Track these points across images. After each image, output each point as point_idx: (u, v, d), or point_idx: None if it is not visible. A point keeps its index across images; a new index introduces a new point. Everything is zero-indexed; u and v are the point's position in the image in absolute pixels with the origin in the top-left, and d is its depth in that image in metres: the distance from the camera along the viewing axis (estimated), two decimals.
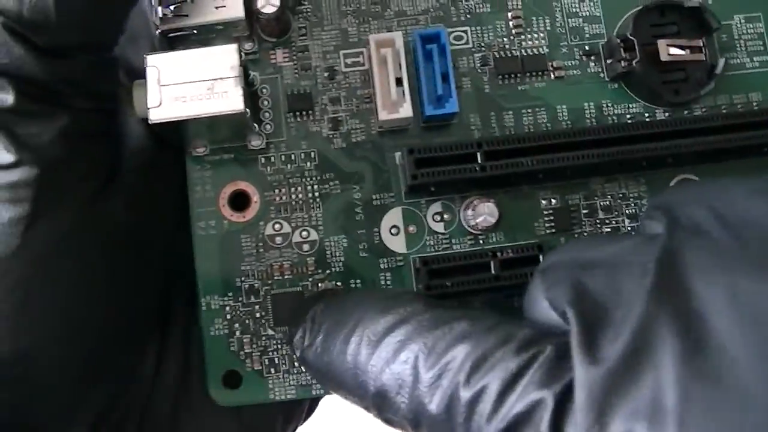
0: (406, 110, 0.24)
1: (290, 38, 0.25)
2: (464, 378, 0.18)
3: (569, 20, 0.26)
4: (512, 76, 0.26)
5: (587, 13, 0.26)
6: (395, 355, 0.19)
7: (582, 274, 0.18)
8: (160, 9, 0.23)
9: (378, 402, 0.20)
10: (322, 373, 0.21)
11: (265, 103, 0.25)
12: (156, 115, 0.21)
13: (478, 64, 0.26)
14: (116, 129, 0.23)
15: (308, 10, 0.26)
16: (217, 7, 0.24)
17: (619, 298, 0.17)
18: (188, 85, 0.22)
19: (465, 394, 0.18)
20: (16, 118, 0.20)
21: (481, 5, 0.26)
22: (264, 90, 0.25)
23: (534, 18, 0.26)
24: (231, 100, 0.22)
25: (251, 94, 0.25)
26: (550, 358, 0.17)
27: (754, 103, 0.26)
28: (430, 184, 0.24)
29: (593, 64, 0.26)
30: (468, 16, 0.26)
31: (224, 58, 0.22)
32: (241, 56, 0.22)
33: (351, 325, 0.21)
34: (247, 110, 0.22)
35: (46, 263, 0.21)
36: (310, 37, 0.26)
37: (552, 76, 0.26)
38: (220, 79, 0.22)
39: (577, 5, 0.26)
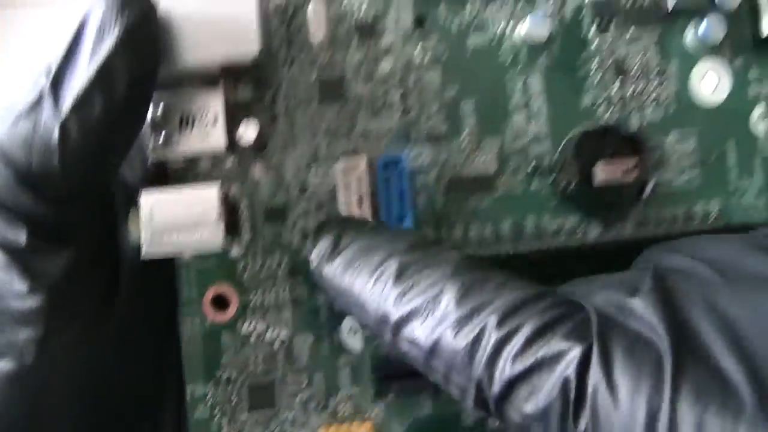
0: None
1: (267, 154, 0.29)
2: (498, 319, 0.19)
3: (517, 140, 0.29)
4: (464, 192, 0.29)
5: (534, 134, 0.29)
6: (428, 288, 0.21)
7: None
8: (152, 138, 0.26)
9: (396, 328, 0.21)
10: (337, 290, 0.23)
11: (244, 214, 0.29)
12: (148, 252, 0.25)
13: (434, 182, 0.29)
14: (116, 248, 0.27)
15: (284, 128, 0.29)
16: (201, 138, 0.27)
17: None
18: (176, 222, 0.25)
19: (496, 334, 0.19)
20: (29, 254, 0.24)
21: (439, 126, 0.29)
22: (243, 202, 0.29)
23: (486, 138, 0.29)
24: (213, 237, 0.25)
25: (231, 209, 0.28)
26: (582, 318, 0.19)
27: (682, 217, 0.30)
28: None
29: (537, 181, 0.29)
30: (426, 135, 0.29)
31: (207, 198, 0.25)
32: (222, 191, 0.26)
33: (385, 252, 0.22)
34: (229, 239, 0.26)
35: (57, 374, 0.25)
36: (285, 154, 0.29)
37: (499, 193, 0.29)
38: (204, 217, 0.25)
39: (525, 126, 0.29)
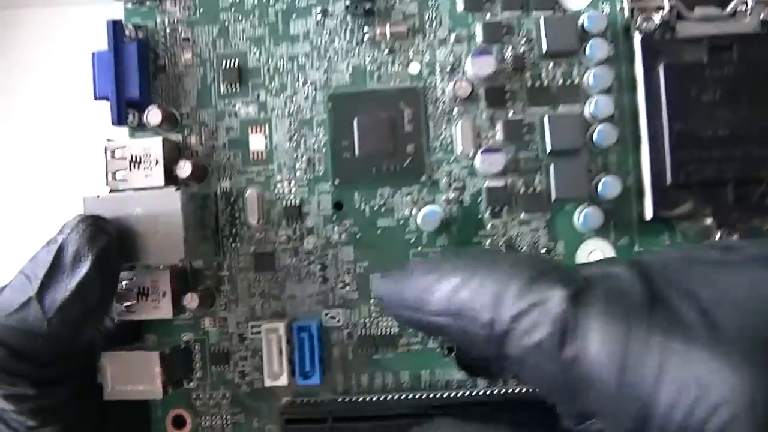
0: (283, 380, 0.35)
1: (215, 310, 0.36)
2: (497, 277, 0.24)
3: None
4: (371, 348, 0.35)
5: None
6: (451, 294, 0.25)
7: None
8: (117, 306, 0.34)
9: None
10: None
11: (196, 356, 0.36)
12: (108, 396, 0.33)
13: (346, 339, 0.35)
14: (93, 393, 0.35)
15: (228, 290, 0.36)
16: (154, 307, 0.35)
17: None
18: (128, 376, 0.33)
19: (495, 286, 0.24)
20: (33, 399, 0.33)
21: (351, 293, 0.35)
22: (195, 347, 0.36)
23: None
24: (155, 388, 0.33)
25: (186, 351, 0.36)
26: (572, 271, 0.24)
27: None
28: None
29: (432, 340, 0.35)
30: (341, 300, 0.35)
31: (150, 358, 0.33)
32: (162, 358, 0.33)
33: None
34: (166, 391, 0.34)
35: None
36: (228, 311, 0.36)
37: (399, 349, 0.35)
38: (148, 373, 0.33)
39: None
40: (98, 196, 0.33)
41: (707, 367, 0.20)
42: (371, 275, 0.35)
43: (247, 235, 0.36)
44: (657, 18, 0.33)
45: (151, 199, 0.32)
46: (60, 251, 0.31)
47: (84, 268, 0.31)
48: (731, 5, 0.33)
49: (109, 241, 0.31)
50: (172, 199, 0.32)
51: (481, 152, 0.34)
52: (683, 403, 0.20)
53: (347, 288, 0.35)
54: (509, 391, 0.34)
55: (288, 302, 0.36)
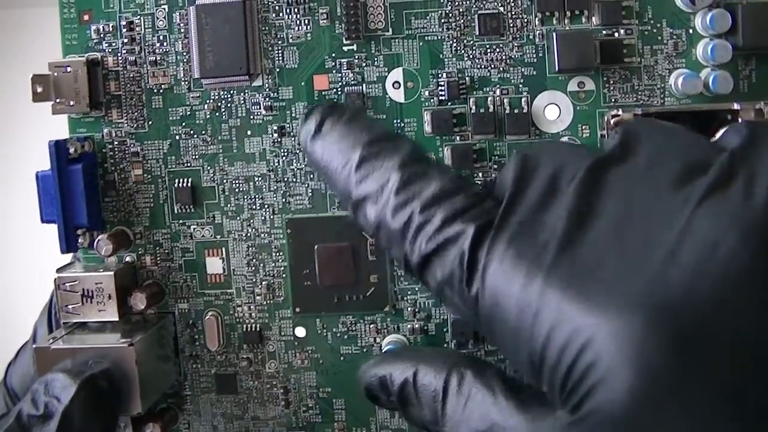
0: None
1: (178, 429, 0.36)
2: (421, 207, 0.24)
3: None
4: None
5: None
6: (378, 178, 0.25)
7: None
8: None
9: (355, 206, 0.26)
10: (319, 166, 0.27)
11: None
12: None
13: None
14: None
15: (191, 409, 0.35)
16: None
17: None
18: None
19: (418, 219, 0.24)
20: None
21: (315, 417, 0.35)
22: None
23: (353, 430, 0.35)
24: None
25: None
26: (487, 207, 0.24)
27: None
28: None
29: None
30: (304, 423, 0.35)
31: None
32: None
33: (352, 143, 0.26)
34: None
35: None
36: (191, 429, 0.36)
37: None
38: None
39: (389, 419, 0.34)
40: (50, 346, 0.31)
41: (587, 318, 0.20)
42: (333, 399, 0.34)
43: (208, 357, 0.35)
44: None
45: (104, 353, 0.31)
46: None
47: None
48: None
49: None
50: (126, 355, 0.31)
51: None
52: (572, 348, 0.20)
53: (310, 412, 0.35)
54: None
55: (251, 423, 0.35)
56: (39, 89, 0.32)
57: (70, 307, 0.33)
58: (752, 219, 0.20)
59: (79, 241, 0.33)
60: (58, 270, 0.33)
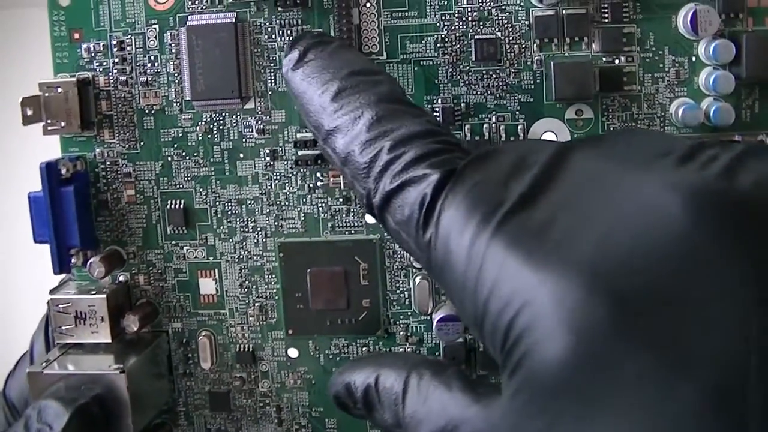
0: None
1: None
2: (390, 145, 0.24)
3: None
4: None
5: None
6: (352, 111, 0.25)
7: None
8: None
9: (325, 136, 0.26)
10: (296, 95, 0.27)
11: None
12: None
13: None
14: None
15: (185, 425, 0.36)
16: None
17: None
18: None
19: (386, 157, 0.24)
20: None
21: None
22: None
23: None
24: None
25: None
26: (456, 156, 0.24)
27: None
28: None
29: None
30: None
31: None
32: None
33: (332, 74, 0.26)
34: None
35: None
36: None
37: None
38: None
39: None
40: (42, 371, 0.32)
41: (528, 278, 0.20)
42: (325, 419, 0.35)
43: (201, 375, 0.35)
44: None
45: (96, 379, 0.31)
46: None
47: None
48: None
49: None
50: (118, 382, 0.31)
51: (437, 321, 0.32)
52: (511, 308, 0.20)
53: (303, 430, 0.35)
54: None
55: None
56: (29, 112, 0.32)
57: (63, 328, 0.33)
58: (697, 184, 0.20)
59: (72, 260, 0.33)
60: (52, 291, 0.34)
